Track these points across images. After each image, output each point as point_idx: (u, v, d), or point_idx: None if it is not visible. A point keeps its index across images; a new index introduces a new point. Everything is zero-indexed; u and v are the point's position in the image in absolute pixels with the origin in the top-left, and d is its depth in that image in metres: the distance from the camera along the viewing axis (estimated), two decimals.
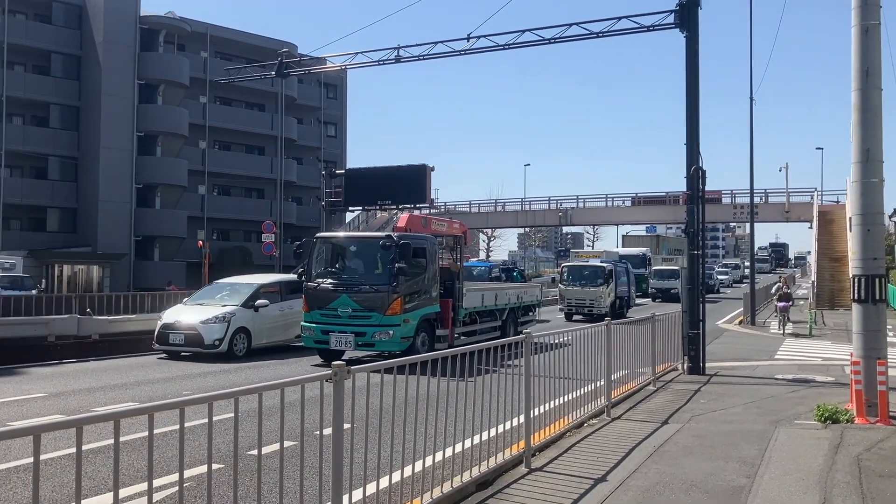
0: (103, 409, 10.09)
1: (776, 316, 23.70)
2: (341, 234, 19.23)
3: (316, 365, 15.09)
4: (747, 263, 79.93)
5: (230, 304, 16.78)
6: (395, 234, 15.21)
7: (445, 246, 17.98)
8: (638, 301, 37.32)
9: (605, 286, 28.65)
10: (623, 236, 65.13)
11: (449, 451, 6.05)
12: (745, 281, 64.12)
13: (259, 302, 16.91)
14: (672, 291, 42.44)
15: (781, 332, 22.51)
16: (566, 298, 29.09)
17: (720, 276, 60.48)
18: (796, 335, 22.15)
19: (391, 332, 14.51)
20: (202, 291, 18.92)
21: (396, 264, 14.48)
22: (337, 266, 15.87)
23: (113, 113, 43.52)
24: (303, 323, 15.49)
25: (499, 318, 18.40)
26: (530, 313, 20.68)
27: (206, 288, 19.43)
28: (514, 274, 31.78)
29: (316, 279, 15.51)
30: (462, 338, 16.58)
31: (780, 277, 38.99)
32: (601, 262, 31.99)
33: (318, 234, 16.74)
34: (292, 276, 18.60)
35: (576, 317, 28.62)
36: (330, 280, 15.39)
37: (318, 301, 15.20)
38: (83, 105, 44.33)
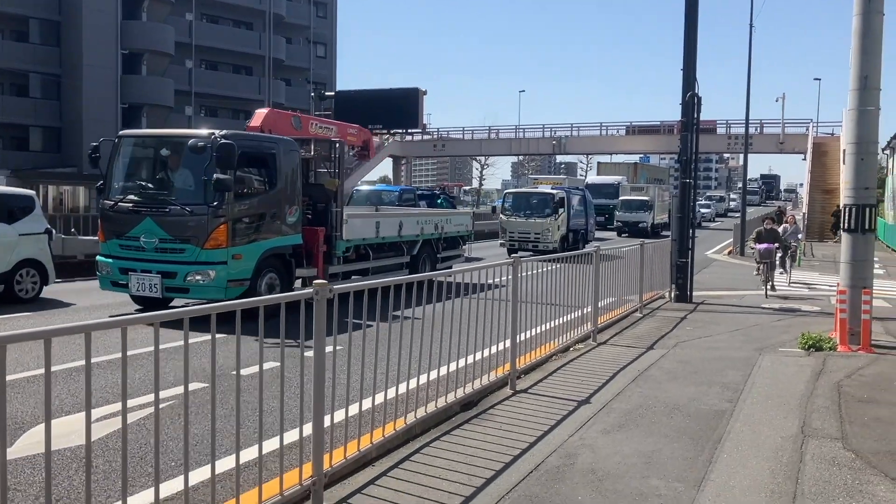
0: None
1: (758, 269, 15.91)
2: (150, 131, 12.64)
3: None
4: (733, 196, 79.90)
5: None
6: (222, 133, 10.80)
7: (331, 156, 13.28)
8: (601, 235, 33.78)
9: (553, 217, 24.64)
10: (598, 164, 60.65)
11: (434, 374, 6.06)
12: (730, 214, 63.82)
13: None
14: (640, 225, 39.20)
15: (764, 292, 15.08)
16: (508, 231, 25.01)
17: (702, 210, 54.30)
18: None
19: (211, 272, 10.58)
20: None
21: (215, 175, 10.33)
22: (143, 178, 11.69)
23: (96, 28, 42.30)
24: (98, 257, 11.51)
25: (406, 253, 15.06)
26: (458, 247, 17.50)
27: None
28: (439, 201, 26.55)
29: (114, 196, 11.38)
30: (343, 278, 13.12)
31: (777, 208, 37.91)
32: (552, 189, 27.76)
33: (120, 132, 12.32)
34: (12, 190, 14.02)
35: (521, 252, 23.35)
36: (132, 197, 11.21)
37: (116, 227, 11.19)
38: (64, 20, 43.03)
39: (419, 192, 28.12)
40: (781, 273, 17.49)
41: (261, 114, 13.99)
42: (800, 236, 19.83)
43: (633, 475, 4.86)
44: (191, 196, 10.84)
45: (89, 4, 42.08)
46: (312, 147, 13.42)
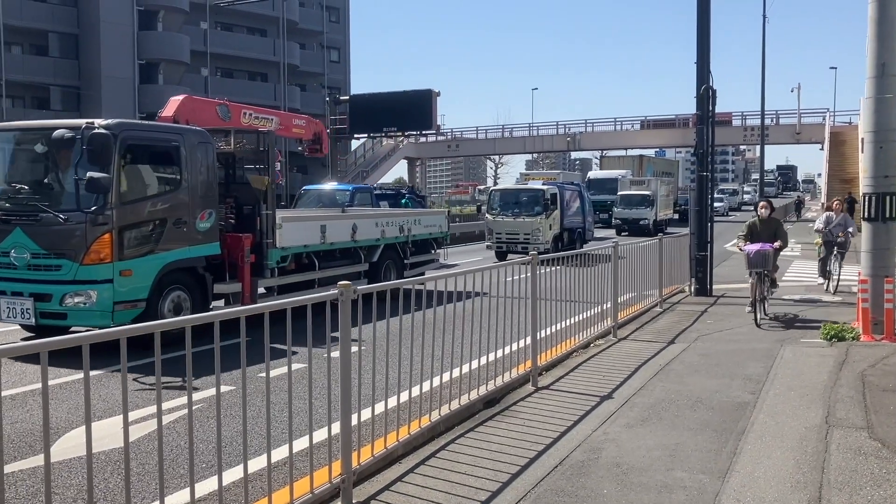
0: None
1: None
2: (18, 123, 10.44)
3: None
4: (747, 189, 78.87)
5: None
6: (101, 122, 8.79)
7: (262, 149, 11.27)
8: (600, 234, 31.10)
9: (544, 216, 22.01)
10: (601, 157, 57.86)
11: (457, 372, 6.13)
12: (743, 208, 62.78)
13: None
14: (641, 223, 35.61)
15: (754, 318, 10.67)
16: (495, 232, 22.42)
17: (715, 204, 51.82)
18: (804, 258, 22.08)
19: (92, 293, 8.62)
20: None
21: (88, 173, 8.39)
22: (13, 180, 9.53)
23: (113, 41, 42.85)
24: None
25: (364, 260, 13.09)
26: (431, 251, 15.56)
27: None
28: (403, 201, 23.66)
29: None
30: (279, 293, 11.04)
31: (797, 197, 36.48)
32: (543, 185, 25.00)
33: None
34: None
35: (511, 256, 21.32)
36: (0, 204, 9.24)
37: None
38: (82, 33, 43.60)
39: (383, 191, 25.58)
40: (823, 283, 14.59)
41: (175, 101, 12.31)
42: (850, 229, 14.71)
43: (658, 468, 4.90)
44: (67, 201, 8.89)
45: (106, 17, 42.63)
46: (233, 139, 11.37)
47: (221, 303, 10.56)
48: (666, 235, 13.66)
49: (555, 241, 22.43)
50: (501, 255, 21.93)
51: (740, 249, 11.26)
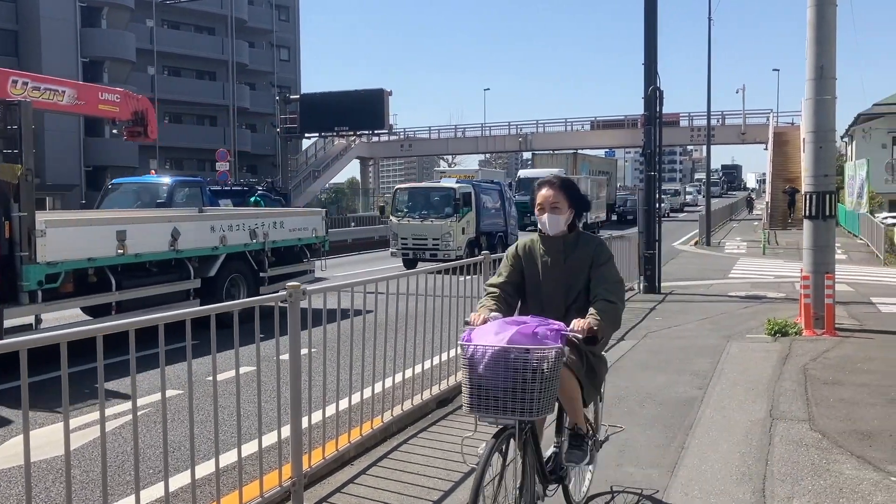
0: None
1: None
2: None
3: None
4: (689, 189, 79.68)
5: None
6: None
7: (11, 127, 8.17)
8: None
9: (455, 218, 19.61)
10: (533, 155, 54.75)
11: (409, 373, 6.12)
12: (686, 209, 63.84)
13: None
14: None
15: None
16: (400, 237, 19.84)
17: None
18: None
19: None
20: None
21: None
22: None
23: (55, 38, 41.63)
24: None
25: (194, 275, 10.35)
26: (303, 260, 12.96)
27: None
28: (253, 199, 19.84)
29: None
30: (37, 326, 8.29)
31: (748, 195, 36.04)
32: (456, 183, 22.40)
33: None
34: None
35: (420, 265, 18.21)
36: None
37: None
38: (22, 30, 42.30)
39: (226, 186, 21.56)
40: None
41: None
42: None
43: (608, 464, 4.96)
44: None
45: (47, 13, 41.42)
46: None
47: None
48: (616, 233, 13.82)
49: (469, 246, 20.01)
50: (410, 263, 19.51)
51: (466, 325, 3.72)
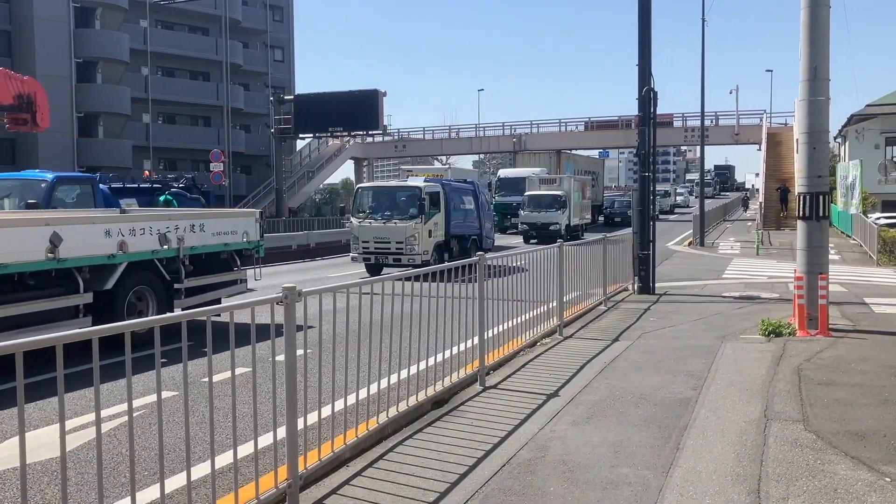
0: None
1: None
2: None
3: None
4: (679, 190, 79.51)
5: None
6: None
7: None
8: (502, 241, 27.49)
9: (420, 220, 17.96)
10: (514, 154, 53.36)
11: (405, 373, 6.13)
12: (676, 210, 63.77)
13: None
14: (551, 228, 30.20)
15: None
16: (361, 240, 18.11)
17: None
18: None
19: None
20: None
21: None
22: None
23: (48, 38, 41.50)
24: None
25: (85, 289, 8.78)
26: (232, 269, 11.47)
27: None
28: (163, 198, 18.23)
29: None
30: None
31: (744, 194, 36.35)
32: (424, 181, 20.32)
33: None
34: None
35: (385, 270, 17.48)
36: None
37: None
38: (15, 30, 42.14)
39: (132, 183, 19.14)
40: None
41: None
42: None
43: (603, 465, 4.97)
44: None
45: (41, 14, 41.29)
46: None
47: None
48: (611, 234, 13.84)
49: (438, 250, 18.63)
50: (374, 269, 18.11)
51: None
